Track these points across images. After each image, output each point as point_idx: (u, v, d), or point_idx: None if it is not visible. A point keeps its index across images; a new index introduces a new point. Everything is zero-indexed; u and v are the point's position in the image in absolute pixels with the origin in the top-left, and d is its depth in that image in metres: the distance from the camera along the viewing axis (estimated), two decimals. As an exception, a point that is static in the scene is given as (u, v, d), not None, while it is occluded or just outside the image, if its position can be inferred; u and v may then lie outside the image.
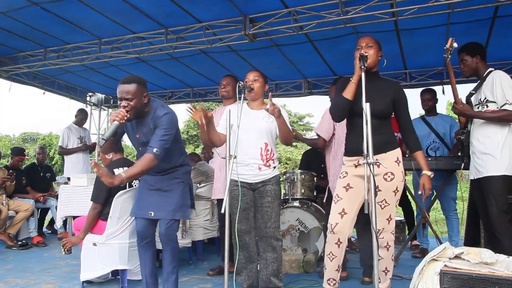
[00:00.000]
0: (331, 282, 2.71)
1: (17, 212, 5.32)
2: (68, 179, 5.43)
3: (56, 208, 5.52)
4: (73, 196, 4.83)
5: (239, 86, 2.82)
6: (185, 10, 4.47)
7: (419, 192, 2.71)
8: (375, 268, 2.27)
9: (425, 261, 2.33)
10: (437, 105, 4.80)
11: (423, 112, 4.93)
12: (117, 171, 3.42)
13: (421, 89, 4.97)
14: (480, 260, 2.17)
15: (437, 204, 4.85)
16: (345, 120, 2.84)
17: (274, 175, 3.08)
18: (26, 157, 6.36)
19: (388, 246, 2.71)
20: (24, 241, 5.24)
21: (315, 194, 4.75)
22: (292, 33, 4.57)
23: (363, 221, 3.13)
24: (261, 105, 3.16)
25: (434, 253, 2.31)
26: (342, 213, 2.64)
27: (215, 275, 3.84)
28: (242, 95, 2.81)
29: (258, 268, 3.14)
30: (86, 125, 6.95)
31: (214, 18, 4.69)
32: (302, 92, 6.92)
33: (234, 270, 3.11)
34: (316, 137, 3.77)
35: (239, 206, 2.89)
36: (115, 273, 3.55)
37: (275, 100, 2.87)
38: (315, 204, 4.62)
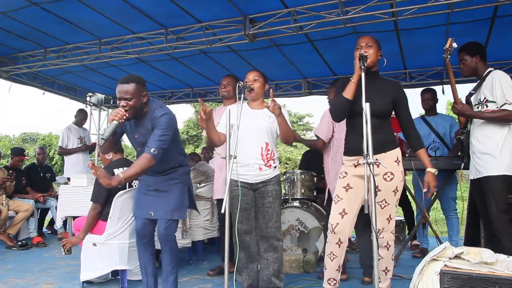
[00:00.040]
0: (332, 282, 2.71)
1: (17, 213, 5.32)
2: (68, 179, 5.43)
3: (56, 209, 5.51)
4: (73, 196, 4.83)
5: (239, 86, 2.82)
6: (185, 10, 4.47)
7: (424, 190, 2.68)
8: (375, 268, 2.27)
9: (425, 261, 2.33)
10: (437, 105, 4.80)
11: (423, 112, 4.94)
12: (117, 171, 3.42)
13: (420, 89, 4.98)
14: (480, 260, 2.17)
15: (437, 204, 4.85)
16: (344, 122, 2.84)
17: (275, 175, 3.07)
18: (26, 157, 6.36)
19: (388, 246, 2.71)
20: (24, 242, 5.24)
21: (315, 194, 4.75)
22: (292, 33, 4.57)
23: (363, 221, 3.13)
24: (261, 105, 3.15)
25: (434, 253, 2.31)
26: (343, 213, 2.64)
27: (215, 275, 3.84)
28: (242, 95, 2.82)
29: (259, 268, 3.14)
30: (86, 125, 6.95)
31: (214, 18, 4.69)
32: (302, 92, 6.92)
33: (234, 270, 3.11)
34: (315, 138, 3.77)
35: (239, 206, 2.89)
36: (115, 273, 3.55)
37: (276, 99, 2.86)
38: (315, 204, 4.62)
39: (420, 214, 4.49)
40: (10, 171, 5.61)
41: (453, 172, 4.37)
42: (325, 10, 4.25)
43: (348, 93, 2.62)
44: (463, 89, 3.58)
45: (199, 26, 4.82)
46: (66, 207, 4.82)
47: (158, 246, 3.09)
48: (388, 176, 2.62)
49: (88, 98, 8.23)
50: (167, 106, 2.96)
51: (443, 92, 5.80)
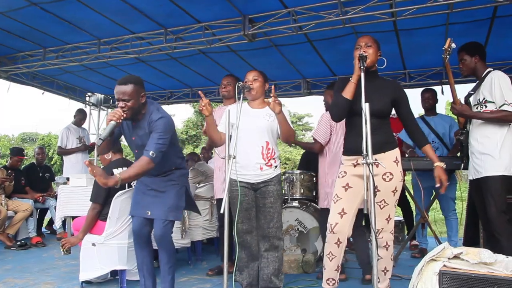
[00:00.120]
0: (331, 282, 2.71)
1: (16, 212, 5.32)
2: (67, 179, 5.43)
3: (55, 208, 5.52)
4: (72, 196, 4.83)
5: (238, 86, 2.83)
6: (184, 10, 4.47)
7: (437, 185, 2.65)
8: (374, 268, 2.27)
9: (424, 261, 2.33)
10: (436, 105, 4.81)
11: (422, 112, 4.94)
12: (116, 171, 3.42)
13: (420, 89, 4.99)
14: (479, 260, 2.17)
15: (436, 204, 4.85)
16: (342, 126, 2.84)
17: (276, 175, 3.07)
18: (25, 157, 6.36)
19: (387, 246, 2.71)
20: (23, 241, 5.23)
21: (314, 194, 4.75)
22: (292, 33, 4.58)
23: (359, 221, 3.13)
24: (261, 104, 3.16)
25: (433, 253, 2.31)
26: (342, 213, 2.64)
27: (214, 275, 3.83)
28: (242, 95, 2.82)
29: (259, 268, 3.14)
30: (85, 125, 6.95)
31: (213, 18, 4.69)
32: (301, 92, 6.93)
33: (234, 270, 3.11)
34: (313, 141, 3.77)
35: (238, 206, 2.89)
36: (114, 273, 3.54)
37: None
38: (314, 204, 4.61)
39: (419, 214, 4.49)
40: (9, 171, 5.60)
41: (453, 172, 4.37)
42: (324, 10, 4.25)
43: (348, 93, 2.62)
44: (462, 89, 3.59)
45: (199, 26, 4.82)
46: (65, 207, 4.82)
47: (156, 246, 3.09)
48: (387, 176, 2.63)
49: (87, 98, 8.23)
50: (167, 106, 2.97)
51: (442, 92, 5.81)
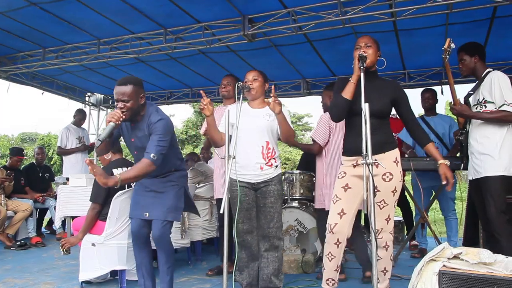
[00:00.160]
0: (330, 282, 2.71)
1: (16, 213, 5.31)
2: (67, 179, 5.43)
3: (54, 209, 5.52)
4: (72, 196, 4.83)
5: (238, 86, 2.83)
6: (184, 11, 4.47)
7: (443, 183, 2.66)
8: (373, 269, 2.27)
9: (424, 261, 2.33)
10: (436, 105, 4.81)
11: (422, 112, 4.95)
12: (116, 171, 3.43)
13: (419, 89, 5.00)
14: (479, 260, 2.17)
15: (436, 204, 4.85)
16: (341, 127, 2.84)
17: (276, 175, 3.07)
18: (25, 157, 6.35)
19: (386, 246, 2.71)
20: (22, 242, 5.23)
21: (313, 194, 4.74)
22: (291, 33, 4.58)
23: (358, 221, 3.13)
24: (261, 104, 3.16)
25: (433, 253, 2.31)
26: (341, 213, 2.64)
27: (214, 275, 3.83)
28: (241, 95, 2.82)
29: (259, 268, 3.14)
30: (85, 125, 6.95)
31: (213, 18, 4.69)
32: (301, 92, 6.93)
33: (233, 270, 3.11)
34: (312, 142, 3.77)
35: (238, 206, 2.89)
36: (114, 273, 3.54)
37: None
38: (314, 205, 4.61)
39: (419, 214, 4.49)
40: (9, 171, 5.60)
41: (452, 172, 4.37)
42: (324, 10, 4.25)
43: (347, 93, 2.62)
44: (462, 90, 3.59)
45: (198, 26, 4.82)
46: (64, 207, 4.82)
47: (154, 247, 3.09)
48: (387, 177, 2.63)
49: (87, 98, 8.23)
50: (166, 106, 2.97)
51: (442, 92, 5.81)
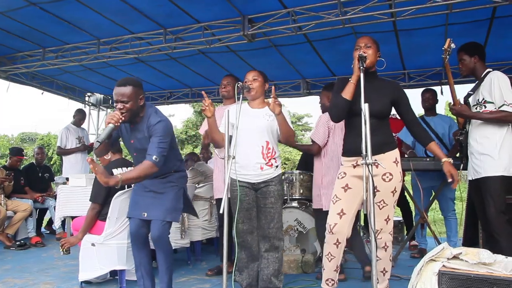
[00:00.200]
0: (330, 282, 2.71)
1: (15, 212, 5.31)
2: (67, 179, 5.43)
3: (54, 208, 5.51)
4: (72, 196, 4.82)
5: (238, 87, 2.83)
6: (183, 11, 4.47)
7: (449, 180, 2.65)
8: (373, 269, 2.27)
9: (424, 261, 2.33)
10: (436, 105, 4.81)
11: (422, 112, 4.95)
12: (115, 171, 3.43)
13: (419, 89, 5.01)
14: (478, 260, 2.17)
15: (435, 205, 4.85)
16: (340, 128, 2.84)
17: (277, 175, 3.07)
18: (25, 157, 6.35)
19: (386, 247, 2.71)
20: (22, 242, 5.23)
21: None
22: (291, 33, 4.58)
23: (356, 221, 3.12)
24: (261, 104, 3.15)
25: (433, 253, 2.32)
26: (341, 214, 2.64)
27: (214, 275, 3.83)
28: (241, 95, 2.82)
29: (258, 268, 3.14)
30: (84, 125, 6.95)
31: (213, 18, 4.69)
32: (300, 92, 6.94)
33: (233, 270, 3.11)
34: (311, 143, 3.77)
35: (238, 206, 2.89)
36: (113, 273, 3.54)
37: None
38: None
39: (419, 215, 4.49)
40: (9, 171, 5.60)
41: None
42: (324, 10, 4.25)
43: (347, 93, 2.62)
44: (462, 90, 3.59)
45: (198, 26, 4.82)
46: (64, 207, 4.82)
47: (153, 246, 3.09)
48: (387, 177, 2.63)
49: (86, 98, 8.23)
50: (166, 106, 2.97)
51: (441, 92, 5.81)
